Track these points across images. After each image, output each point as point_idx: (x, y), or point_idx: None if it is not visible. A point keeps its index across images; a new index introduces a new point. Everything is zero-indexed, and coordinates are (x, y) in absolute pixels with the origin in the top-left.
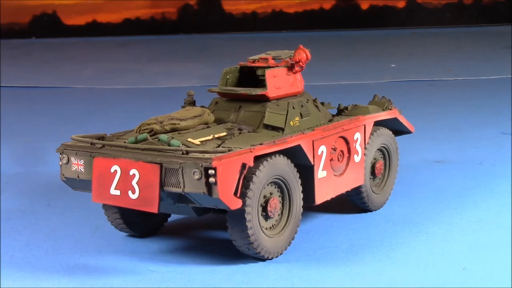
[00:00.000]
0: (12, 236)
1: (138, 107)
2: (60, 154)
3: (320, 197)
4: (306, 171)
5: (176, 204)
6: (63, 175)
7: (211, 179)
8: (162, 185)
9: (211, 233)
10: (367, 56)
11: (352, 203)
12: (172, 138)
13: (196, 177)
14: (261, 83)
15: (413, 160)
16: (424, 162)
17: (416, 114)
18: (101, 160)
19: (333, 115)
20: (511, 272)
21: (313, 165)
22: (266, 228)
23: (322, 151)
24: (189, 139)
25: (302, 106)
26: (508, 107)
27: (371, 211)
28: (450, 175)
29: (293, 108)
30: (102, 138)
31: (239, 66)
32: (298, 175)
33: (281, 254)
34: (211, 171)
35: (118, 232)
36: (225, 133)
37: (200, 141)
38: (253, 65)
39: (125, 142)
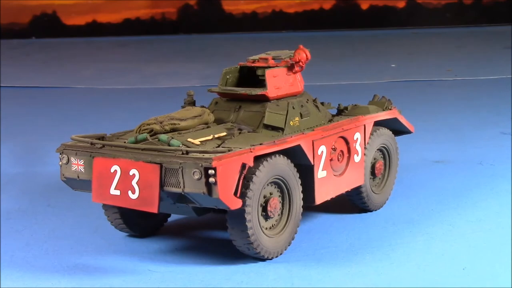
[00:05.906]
0: (12, 236)
1: (138, 107)
2: (60, 154)
3: (320, 197)
4: (306, 171)
5: (176, 204)
6: (63, 175)
7: (211, 179)
8: (162, 185)
9: (211, 233)
10: (367, 56)
11: (352, 203)
12: (172, 138)
13: (196, 177)
14: (261, 83)
15: (413, 160)
16: (424, 162)
17: (416, 114)
18: (101, 160)
19: (333, 115)
20: (511, 272)
21: (313, 165)
22: (266, 228)
23: (322, 151)
24: (189, 139)
25: (302, 106)
26: (508, 107)
27: (371, 211)
28: (450, 175)
29: (293, 108)
30: (102, 138)
31: (239, 66)
32: (298, 175)
33: (281, 254)
34: (211, 171)
35: (118, 232)
36: (225, 133)
37: (200, 141)
38: (253, 65)
39: (125, 142)
